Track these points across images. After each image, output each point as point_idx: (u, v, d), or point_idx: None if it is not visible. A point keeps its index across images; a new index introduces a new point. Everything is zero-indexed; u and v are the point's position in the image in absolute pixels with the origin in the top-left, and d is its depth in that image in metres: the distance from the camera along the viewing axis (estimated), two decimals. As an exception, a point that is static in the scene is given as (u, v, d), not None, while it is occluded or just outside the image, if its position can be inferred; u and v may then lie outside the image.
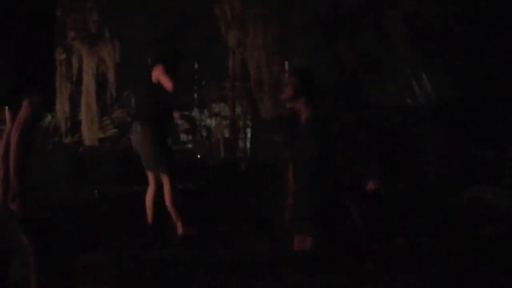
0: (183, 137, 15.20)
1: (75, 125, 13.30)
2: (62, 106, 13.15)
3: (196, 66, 14.89)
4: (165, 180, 5.74)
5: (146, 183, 6.00)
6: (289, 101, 4.69)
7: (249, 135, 14.82)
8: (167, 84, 5.77)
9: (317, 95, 4.76)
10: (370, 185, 4.69)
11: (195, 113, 15.66)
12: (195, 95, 15.49)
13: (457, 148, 9.09)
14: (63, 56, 12.81)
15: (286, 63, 13.41)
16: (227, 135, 14.65)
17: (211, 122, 15.63)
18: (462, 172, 8.44)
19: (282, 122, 12.39)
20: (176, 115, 6.22)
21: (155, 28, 12.21)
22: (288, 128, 11.42)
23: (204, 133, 15.58)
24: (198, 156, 13.57)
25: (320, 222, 4.55)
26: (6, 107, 4.10)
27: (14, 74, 3.80)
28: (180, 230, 5.66)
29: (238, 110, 14.26)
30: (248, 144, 14.83)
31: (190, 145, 15.08)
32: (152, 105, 5.85)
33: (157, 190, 5.83)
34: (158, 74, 5.89)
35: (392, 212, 5.92)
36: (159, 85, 5.81)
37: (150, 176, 5.87)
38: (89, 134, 13.06)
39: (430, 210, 6.79)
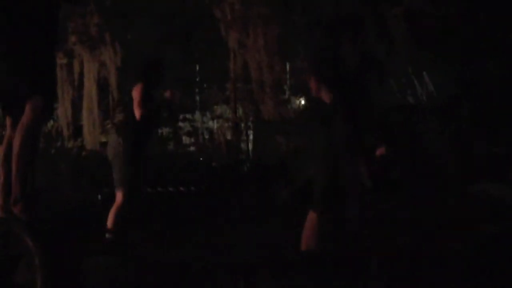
0: (186, 139, 15.22)
1: (77, 130, 13.30)
2: (64, 110, 13.16)
3: (197, 68, 14.89)
4: (118, 197, 5.78)
5: (148, 185, 6.01)
6: (316, 94, 4.86)
7: (251, 136, 14.79)
8: (137, 112, 5.82)
9: (337, 79, 4.84)
10: (380, 151, 4.84)
11: (197, 115, 15.66)
12: (197, 98, 15.50)
13: (462, 145, 9.08)
14: (65, 61, 12.81)
15: (288, 64, 13.41)
16: (229, 137, 14.62)
17: (213, 124, 15.62)
18: (467, 169, 8.43)
19: (284, 123, 12.39)
20: (168, 93, 6.27)
21: (157, 31, 12.20)
22: (293, 126, 11.41)
23: (207, 136, 15.56)
24: (201, 158, 13.55)
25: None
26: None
27: (16, 78, 3.79)
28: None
29: (240, 111, 14.24)
30: (250, 146, 14.80)
31: (192, 148, 15.09)
32: (130, 123, 5.90)
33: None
34: (134, 96, 5.97)
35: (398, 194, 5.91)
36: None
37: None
38: (91, 138, 13.06)
39: (436, 206, 6.77)
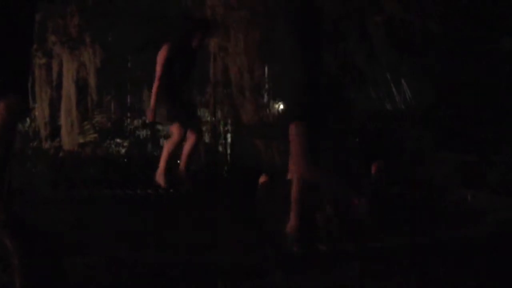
0: (163, 143, 15.17)
1: (55, 130, 13.20)
2: (42, 111, 13.05)
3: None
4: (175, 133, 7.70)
5: (128, 187, 6.06)
6: None
7: (229, 140, 14.79)
8: (156, 79, 6.59)
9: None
10: (374, 167, 5.03)
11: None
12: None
13: (439, 153, 9.16)
14: (43, 61, 12.71)
15: (267, 68, 13.43)
16: (208, 140, 14.60)
17: (192, 127, 15.57)
18: (444, 176, 8.51)
19: (263, 127, 12.41)
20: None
21: (137, 33, 12.17)
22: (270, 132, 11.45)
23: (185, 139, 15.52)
24: (178, 161, 13.53)
25: None
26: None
27: None
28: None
29: (219, 115, 14.24)
30: (228, 149, 14.79)
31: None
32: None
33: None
34: (157, 59, 6.65)
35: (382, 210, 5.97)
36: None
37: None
38: (69, 139, 12.95)
39: (412, 212, 6.83)
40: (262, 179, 7.05)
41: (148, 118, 7.50)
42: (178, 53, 7.48)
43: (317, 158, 5.17)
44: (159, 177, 7.71)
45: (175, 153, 7.92)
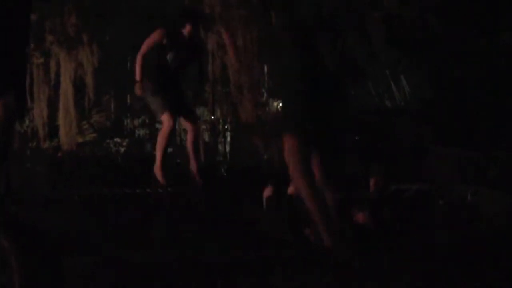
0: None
1: (53, 130, 13.18)
2: (39, 110, 13.02)
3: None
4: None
5: (126, 186, 6.04)
6: None
7: (228, 138, 14.78)
8: (138, 54, 7.08)
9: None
10: (372, 182, 4.95)
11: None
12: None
13: (439, 148, 9.14)
14: (41, 60, 12.68)
15: (266, 66, 13.41)
16: (207, 139, 14.59)
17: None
18: (444, 172, 8.49)
19: (262, 125, 12.39)
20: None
21: (135, 31, 12.13)
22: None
23: (184, 138, 15.51)
24: (178, 160, 13.51)
25: None
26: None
27: None
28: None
29: (218, 113, 14.22)
30: (228, 148, 14.78)
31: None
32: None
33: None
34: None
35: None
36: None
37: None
38: (68, 138, 12.93)
39: (412, 210, 6.81)
40: (267, 192, 6.77)
41: (136, 91, 7.41)
42: (172, 42, 7.44)
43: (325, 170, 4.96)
44: (157, 171, 7.63)
45: (168, 144, 7.82)
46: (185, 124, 8.11)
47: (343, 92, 5.65)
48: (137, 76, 7.40)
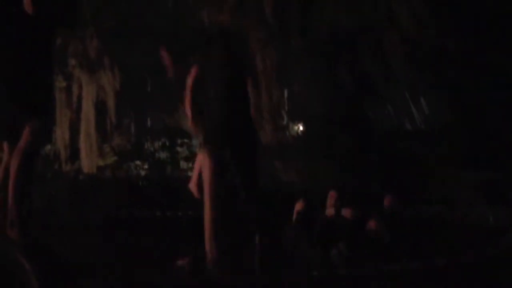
0: (183, 165, 15.17)
1: (74, 153, 13.26)
2: (61, 133, 13.13)
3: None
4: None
5: (148, 208, 6.04)
6: None
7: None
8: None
9: None
10: (387, 201, 5.02)
11: (195, 140, 15.64)
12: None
13: (459, 170, 9.09)
14: (63, 84, 12.82)
15: (286, 89, 13.44)
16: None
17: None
18: (465, 194, 8.44)
19: (282, 148, 12.39)
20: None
21: (156, 55, 12.24)
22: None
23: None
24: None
25: None
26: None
27: (14, 103, 3.82)
28: None
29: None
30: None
31: (190, 173, 15.03)
32: None
33: None
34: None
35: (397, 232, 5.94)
36: None
37: None
38: (89, 161, 13.02)
39: (433, 232, 6.77)
40: (298, 206, 6.79)
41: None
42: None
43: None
44: (192, 186, 7.47)
45: None
46: None
47: (362, 113, 5.76)
48: None
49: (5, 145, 4.07)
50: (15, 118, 3.86)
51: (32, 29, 3.91)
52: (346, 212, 6.61)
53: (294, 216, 6.75)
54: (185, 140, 14.97)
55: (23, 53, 3.89)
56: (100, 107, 13.14)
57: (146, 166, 13.98)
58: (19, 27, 3.89)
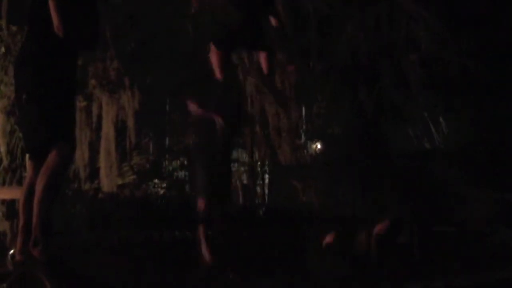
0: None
1: (94, 172, 13.33)
2: (81, 152, 13.21)
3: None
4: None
5: (166, 228, 6.05)
6: None
7: (267, 181, 14.79)
8: None
9: None
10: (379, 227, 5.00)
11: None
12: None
13: (479, 191, 9.04)
14: (84, 104, 12.92)
15: (304, 109, 13.47)
16: (245, 181, 14.62)
17: (230, 168, 15.62)
18: (484, 216, 8.38)
19: (300, 167, 12.39)
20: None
21: (175, 75, 12.33)
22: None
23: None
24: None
25: None
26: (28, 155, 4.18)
27: (45, 127, 3.89)
28: None
29: (256, 156, 14.27)
30: (266, 190, 14.79)
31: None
32: None
33: None
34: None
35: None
36: None
37: None
38: (108, 180, 13.07)
39: (454, 254, 6.73)
40: (328, 238, 6.64)
41: None
42: None
43: None
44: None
45: None
46: None
47: (380, 133, 5.79)
48: None
49: (29, 164, 4.14)
50: (44, 139, 3.93)
51: (62, 51, 3.99)
52: None
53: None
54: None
55: (54, 75, 3.96)
56: (119, 127, 13.23)
57: (164, 185, 14.02)
58: (52, 49, 3.96)
